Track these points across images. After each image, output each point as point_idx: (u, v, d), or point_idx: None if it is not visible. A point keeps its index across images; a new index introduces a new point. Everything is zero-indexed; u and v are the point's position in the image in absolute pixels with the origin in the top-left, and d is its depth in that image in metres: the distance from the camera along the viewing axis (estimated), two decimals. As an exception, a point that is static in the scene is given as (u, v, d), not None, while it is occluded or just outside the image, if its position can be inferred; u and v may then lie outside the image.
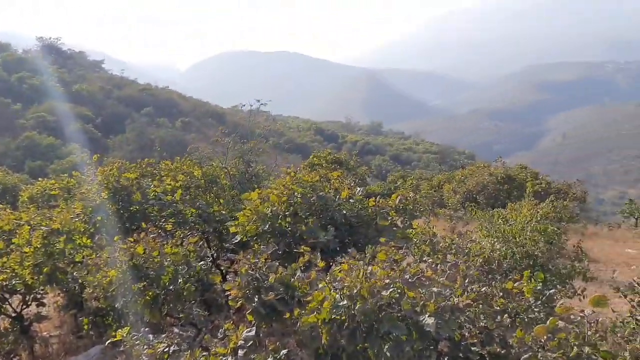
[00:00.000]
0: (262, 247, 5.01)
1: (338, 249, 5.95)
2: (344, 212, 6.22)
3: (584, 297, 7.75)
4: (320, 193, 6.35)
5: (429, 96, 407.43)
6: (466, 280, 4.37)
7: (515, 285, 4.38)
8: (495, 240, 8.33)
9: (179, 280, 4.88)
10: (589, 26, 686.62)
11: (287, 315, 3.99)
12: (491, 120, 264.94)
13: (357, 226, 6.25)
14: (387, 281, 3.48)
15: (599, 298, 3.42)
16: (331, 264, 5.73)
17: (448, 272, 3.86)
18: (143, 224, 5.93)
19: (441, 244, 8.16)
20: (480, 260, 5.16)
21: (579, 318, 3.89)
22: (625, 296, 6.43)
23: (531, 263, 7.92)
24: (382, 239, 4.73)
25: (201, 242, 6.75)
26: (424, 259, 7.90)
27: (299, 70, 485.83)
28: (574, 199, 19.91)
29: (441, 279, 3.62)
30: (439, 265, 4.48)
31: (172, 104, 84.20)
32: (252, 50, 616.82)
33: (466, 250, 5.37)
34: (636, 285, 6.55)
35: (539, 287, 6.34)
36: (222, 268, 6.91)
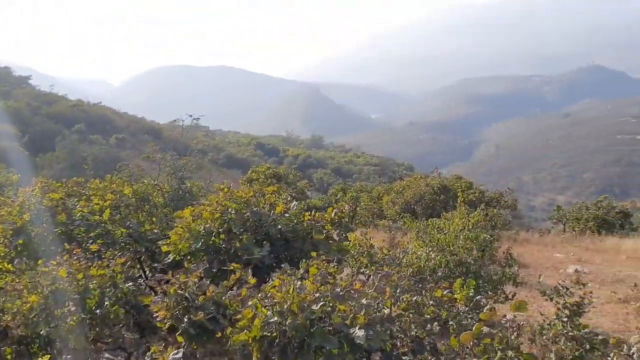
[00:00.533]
0: (193, 265, 4.89)
1: (274, 264, 5.92)
2: (279, 227, 6.18)
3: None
4: (255, 209, 6.29)
5: (368, 110, 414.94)
6: (398, 290, 4.43)
7: (445, 293, 4.48)
8: (430, 249, 8.54)
9: (106, 303, 4.69)
10: (517, 42, 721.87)
11: (219, 334, 3.91)
12: (429, 133, 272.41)
13: (292, 241, 6.22)
14: (317, 295, 3.48)
15: (519, 303, 3.54)
16: (267, 279, 5.68)
17: (378, 283, 3.89)
18: (67, 245, 5.68)
19: (378, 255, 8.30)
20: (412, 270, 5.24)
21: (505, 322, 4.03)
22: (552, 299, 6.72)
23: (464, 270, 8.16)
24: (313, 253, 4.72)
25: (129, 263, 6.52)
26: (361, 270, 8.01)
27: (238, 85, 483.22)
28: (505, 206, 20.67)
29: (370, 291, 3.64)
30: (372, 276, 4.53)
31: (106, 120, 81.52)
32: (189, 65, 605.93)
33: (398, 261, 5.43)
34: (561, 288, 6.85)
35: (471, 294, 6.53)
36: (154, 288, 6.70)
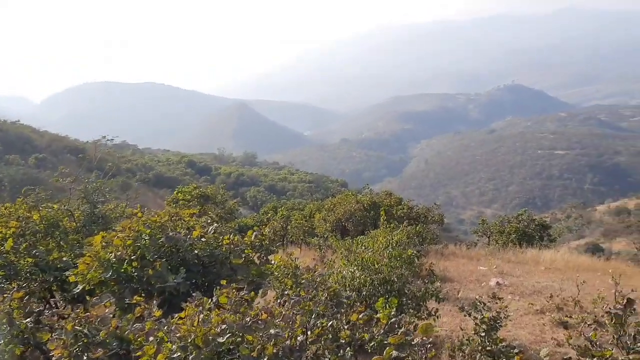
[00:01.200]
0: (95, 299, 4.60)
1: (191, 291, 5.70)
2: (196, 252, 5.98)
3: (437, 318, 8.20)
4: (171, 233, 6.05)
5: (302, 127, 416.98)
6: (313, 316, 4.35)
7: (360, 316, 4.44)
8: (355, 268, 8.54)
9: (0, 342, 4.32)
10: (442, 62, 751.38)
11: (123, 371, 3.68)
12: (361, 149, 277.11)
13: (210, 266, 6.03)
14: (224, 327, 3.34)
15: (426, 326, 3.53)
16: (183, 308, 5.45)
17: (287, 311, 3.79)
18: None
19: (304, 276, 8.19)
20: (328, 294, 5.17)
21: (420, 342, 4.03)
22: (470, 314, 6.86)
23: (388, 288, 8.21)
24: (223, 282, 4.56)
25: (36, 294, 6.09)
26: (285, 292, 7.87)
27: (167, 102, 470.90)
28: (433, 221, 21.15)
29: (277, 321, 3.53)
30: (287, 302, 4.42)
31: (25, 139, 77.18)
32: (115, 81, 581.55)
33: (315, 285, 5.35)
34: (478, 304, 7.02)
35: (393, 313, 6.54)
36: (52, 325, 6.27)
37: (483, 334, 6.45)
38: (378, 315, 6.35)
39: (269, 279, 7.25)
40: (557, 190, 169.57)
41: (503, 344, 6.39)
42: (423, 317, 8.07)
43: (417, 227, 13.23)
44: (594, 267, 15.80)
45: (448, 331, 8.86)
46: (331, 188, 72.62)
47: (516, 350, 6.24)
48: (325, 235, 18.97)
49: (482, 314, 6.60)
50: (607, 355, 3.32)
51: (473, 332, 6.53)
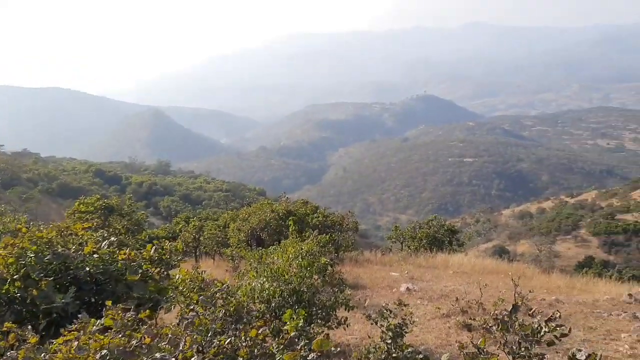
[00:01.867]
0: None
1: (81, 312, 5.29)
2: (88, 269, 5.58)
3: (347, 326, 8.20)
4: (60, 249, 5.61)
5: (217, 134, 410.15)
6: (210, 334, 4.15)
7: (260, 331, 4.28)
8: (265, 279, 8.37)
9: None
10: (357, 71, 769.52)
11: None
12: (280, 157, 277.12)
13: (104, 284, 5.65)
14: (104, 352, 3.07)
15: (321, 341, 3.45)
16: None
17: (180, 331, 3.57)
18: None
19: (210, 290, 7.90)
20: (225, 310, 4.97)
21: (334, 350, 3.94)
22: (376, 322, 6.89)
23: (298, 299, 8.10)
24: (108, 302, 4.25)
25: None
26: (191, 307, 7.55)
27: (74, 108, 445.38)
28: (348, 229, 21.33)
29: (163, 344, 3.31)
30: (180, 321, 4.19)
31: None
32: (13, 86, 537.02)
33: (213, 301, 5.14)
34: (385, 311, 7.06)
35: (300, 324, 6.42)
36: None
37: (389, 341, 6.48)
38: (286, 327, 6.22)
39: (174, 295, 6.93)
40: (467, 195, 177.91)
41: (409, 349, 6.45)
42: (333, 326, 8.03)
43: (329, 235, 13.25)
44: (498, 270, 16.47)
45: (358, 339, 8.88)
46: (248, 197, 71.85)
47: (421, 356, 6.32)
48: (239, 246, 18.64)
49: (389, 321, 6.64)
50: (494, 361, 3.38)
51: (380, 339, 6.55)
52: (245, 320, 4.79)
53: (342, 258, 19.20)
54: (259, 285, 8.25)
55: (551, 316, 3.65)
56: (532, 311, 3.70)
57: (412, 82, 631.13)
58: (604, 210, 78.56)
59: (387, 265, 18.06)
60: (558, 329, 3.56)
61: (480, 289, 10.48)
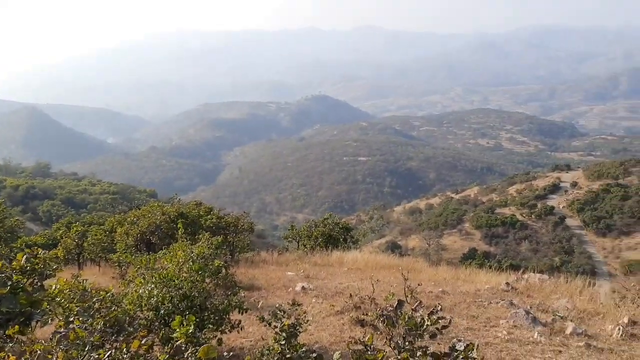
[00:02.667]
0: None
1: None
2: (-56, 283, 4.95)
3: (241, 329, 8.03)
4: None
5: (103, 134, 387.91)
6: (87, 348, 3.83)
7: (143, 342, 4.02)
8: (153, 285, 7.97)
9: None
10: (251, 71, 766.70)
11: None
12: (172, 157, 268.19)
13: (-37, 299, 5.04)
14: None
15: (207, 349, 3.29)
16: None
17: (53, 346, 3.24)
18: None
19: (94, 299, 7.39)
20: (107, 320, 4.64)
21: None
22: (270, 324, 6.80)
23: (189, 304, 7.81)
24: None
25: None
26: (70, 319, 7.01)
27: None
28: (243, 230, 21.06)
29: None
30: (52, 336, 3.82)
31: None
32: None
33: (91, 311, 4.77)
34: (278, 312, 6.99)
35: (190, 331, 6.16)
36: None
37: (283, 342, 6.42)
38: (175, 334, 5.94)
39: (50, 307, 6.37)
40: (361, 193, 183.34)
41: (303, 349, 6.43)
42: (226, 330, 7.83)
43: (223, 237, 12.95)
44: (390, 265, 16.98)
45: (253, 342, 8.74)
46: (138, 199, 68.88)
47: (315, 355, 6.32)
48: (126, 251, 17.74)
49: (282, 322, 6.57)
50: (380, 357, 3.42)
51: (273, 340, 6.47)
52: (128, 330, 4.48)
53: (238, 260, 18.94)
54: (147, 292, 7.85)
55: (433, 309, 3.76)
56: (415, 305, 3.79)
57: (307, 82, 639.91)
58: (485, 204, 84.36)
59: (283, 265, 18.04)
60: (440, 321, 3.68)
61: (373, 284, 10.74)
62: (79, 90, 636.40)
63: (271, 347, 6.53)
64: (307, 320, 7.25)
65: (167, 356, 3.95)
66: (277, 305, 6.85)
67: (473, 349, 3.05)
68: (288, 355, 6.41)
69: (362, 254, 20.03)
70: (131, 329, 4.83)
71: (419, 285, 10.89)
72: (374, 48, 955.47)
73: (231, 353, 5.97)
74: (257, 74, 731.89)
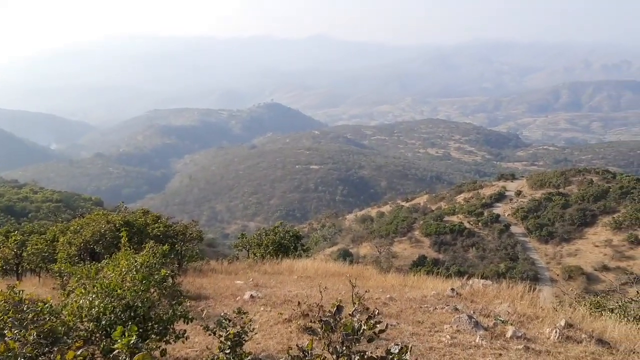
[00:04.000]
0: None
1: None
2: None
3: (186, 339, 7.89)
4: None
5: (46, 140, 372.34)
6: (18, 359, 3.68)
7: (79, 352, 3.90)
8: (94, 295, 7.74)
9: None
10: (203, 77, 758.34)
11: None
12: (119, 164, 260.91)
13: None
14: None
15: (142, 357, 3.23)
16: None
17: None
18: None
19: (29, 310, 7.11)
20: (41, 331, 4.48)
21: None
22: (214, 333, 6.72)
23: (132, 314, 7.62)
24: None
25: None
26: (4, 331, 6.73)
27: None
28: (191, 238, 20.74)
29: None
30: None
31: None
32: None
33: (25, 322, 4.60)
34: (223, 320, 6.91)
35: (132, 341, 6.01)
36: None
37: (228, 351, 6.36)
38: (116, 345, 5.79)
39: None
40: (314, 202, 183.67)
41: (249, 357, 6.38)
42: (171, 341, 7.68)
43: (167, 246, 12.70)
44: (340, 272, 17.10)
45: (198, 352, 8.62)
46: (83, 207, 66.78)
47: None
48: (68, 261, 17.17)
49: (227, 331, 6.52)
50: (318, 363, 3.44)
51: (218, 350, 6.40)
52: (66, 341, 4.34)
53: (186, 269, 18.67)
54: (88, 302, 7.62)
55: (371, 314, 3.82)
56: (352, 311, 3.84)
57: (259, 90, 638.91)
58: (434, 212, 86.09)
59: (232, 274, 17.92)
60: (378, 325, 3.74)
61: (321, 291, 10.78)
62: (21, 94, 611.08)
63: (216, 357, 6.45)
64: (253, 329, 7.21)
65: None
66: (222, 314, 6.78)
67: (407, 352, 3.12)
68: (233, 364, 6.36)
69: (312, 261, 20.10)
70: (70, 341, 4.68)
71: (366, 292, 11.01)
72: (326, 57, 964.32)
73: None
74: (209, 80, 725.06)
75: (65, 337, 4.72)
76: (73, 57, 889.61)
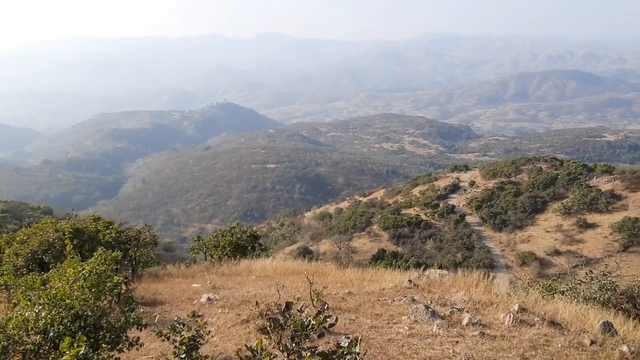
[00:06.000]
0: None
1: None
2: None
3: (140, 346, 7.67)
4: None
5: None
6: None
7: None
8: (41, 307, 7.43)
9: None
10: (152, 78, 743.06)
11: None
12: (68, 171, 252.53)
13: None
14: None
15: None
16: None
17: None
18: None
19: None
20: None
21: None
22: (168, 338, 6.55)
23: (82, 324, 7.35)
24: None
25: None
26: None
27: None
28: (145, 244, 20.25)
29: None
30: None
31: None
32: None
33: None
34: (177, 325, 6.75)
35: (82, 352, 5.79)
36: None
37: (183, 355, 6.22)
38: (65, 357, 5.56)
39: None
40: (272, 201, 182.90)
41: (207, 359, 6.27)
42: (124, 349, 7.45)
43: (118, 252, 12.30)
44: (299, 270, 17.02)
45: (154, 358, 8.40)
46: (31, 216, 64.34)
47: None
48: (15, 273, 16.53)
49: (182, 335, 6.37)
50: (267, 361, 3.38)
51: (173, 355, 6.25)
52: (10, 356, 4.13)
53: (141, 275, 18.23)
54: (34, 314, 7.30)
55: (320, 309, 3.77)
56: (300, 307, 3.78)
57: (211, 90, 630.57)
58: (391, 206, 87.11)
59: (189, 277, 17.61)
60: (327, 320, 3.70)
61: (279, 290, 10.70)
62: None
63: (171, 362, 6.29)
64: (209, 332, 7.07)
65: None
66: (175, 319, 6.61)
67: (356, 345, 3.09)
68: (189, 369, 6.21)
69: (271, 261, 19.97)
70: (13, 355, 4.46)
71: (324, 288, 10.99)
72: (277, 55, 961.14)
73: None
74: (159, 82, 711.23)
75: (9, 351, 4.49)
76: (17, 62, 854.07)
